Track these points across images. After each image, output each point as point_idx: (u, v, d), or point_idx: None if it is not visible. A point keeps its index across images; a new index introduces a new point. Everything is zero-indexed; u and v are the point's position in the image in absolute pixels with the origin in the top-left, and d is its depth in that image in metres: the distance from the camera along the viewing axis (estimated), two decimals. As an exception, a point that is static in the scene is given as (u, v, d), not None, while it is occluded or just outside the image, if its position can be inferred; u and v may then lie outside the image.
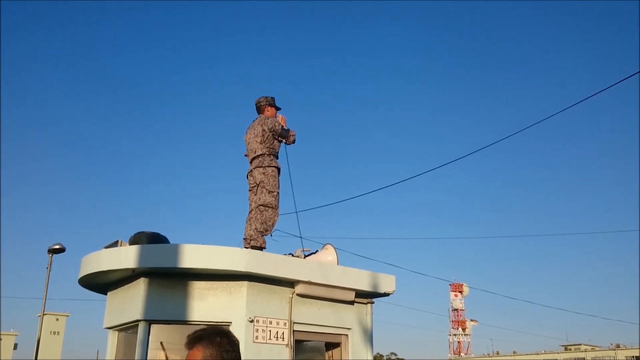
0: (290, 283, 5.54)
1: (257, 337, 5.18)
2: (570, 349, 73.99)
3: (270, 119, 6.40)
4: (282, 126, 6.43)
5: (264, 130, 6.24)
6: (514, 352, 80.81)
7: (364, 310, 6.16)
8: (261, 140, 6.23)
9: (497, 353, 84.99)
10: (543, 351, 75.61)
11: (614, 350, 66.81)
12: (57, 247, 21.43)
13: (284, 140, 6.46)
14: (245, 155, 6.55)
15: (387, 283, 6.23)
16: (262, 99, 6.58)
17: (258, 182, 6.12)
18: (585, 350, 71.39)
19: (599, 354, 68.88)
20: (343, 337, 5.96)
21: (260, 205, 6.06)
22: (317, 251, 6.32)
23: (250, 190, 6.26)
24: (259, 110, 6.59)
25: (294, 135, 6.53)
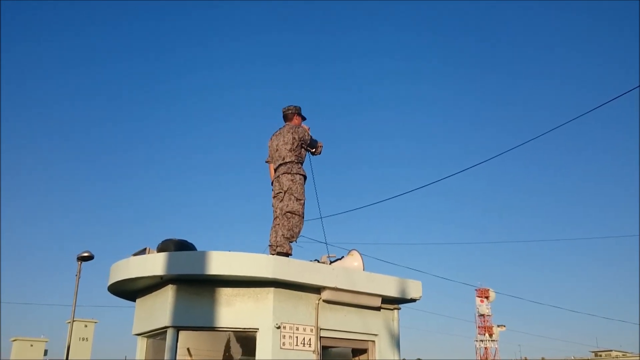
0: (317, 289, 5.54)
1: (284, 344, 5.19)
2: (600, 355, 72.55)
3: (301, 127, 6.46)
4: (311, 137, 6.48)
5: (294, 138, 6.29)
6: (543, 358, 79.50)
7: (390, 316, 6.14)
8: (291, 148, 6.27)
9: (526, 359, 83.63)
10: (573, 357, 74.22)
11: (646, 356, 65.18)
12: (85, 254, 21.81)
13: (312, 151, 6.50)
14: (267, 162, 6.59)
15: (413, 289, 6.20)
16: (291, 107, 6.63)
17: (285, 189, 6.15)
18: (617, 357, 69.93)
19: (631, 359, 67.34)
20: (370, 343, 5.95)
21: (287, 212, 6.09)
22: (342, 257, 6.31)
23: (274, 197, 6.29)
24: (286, 118, 6.63)
25: (322, 146, 6.59)
